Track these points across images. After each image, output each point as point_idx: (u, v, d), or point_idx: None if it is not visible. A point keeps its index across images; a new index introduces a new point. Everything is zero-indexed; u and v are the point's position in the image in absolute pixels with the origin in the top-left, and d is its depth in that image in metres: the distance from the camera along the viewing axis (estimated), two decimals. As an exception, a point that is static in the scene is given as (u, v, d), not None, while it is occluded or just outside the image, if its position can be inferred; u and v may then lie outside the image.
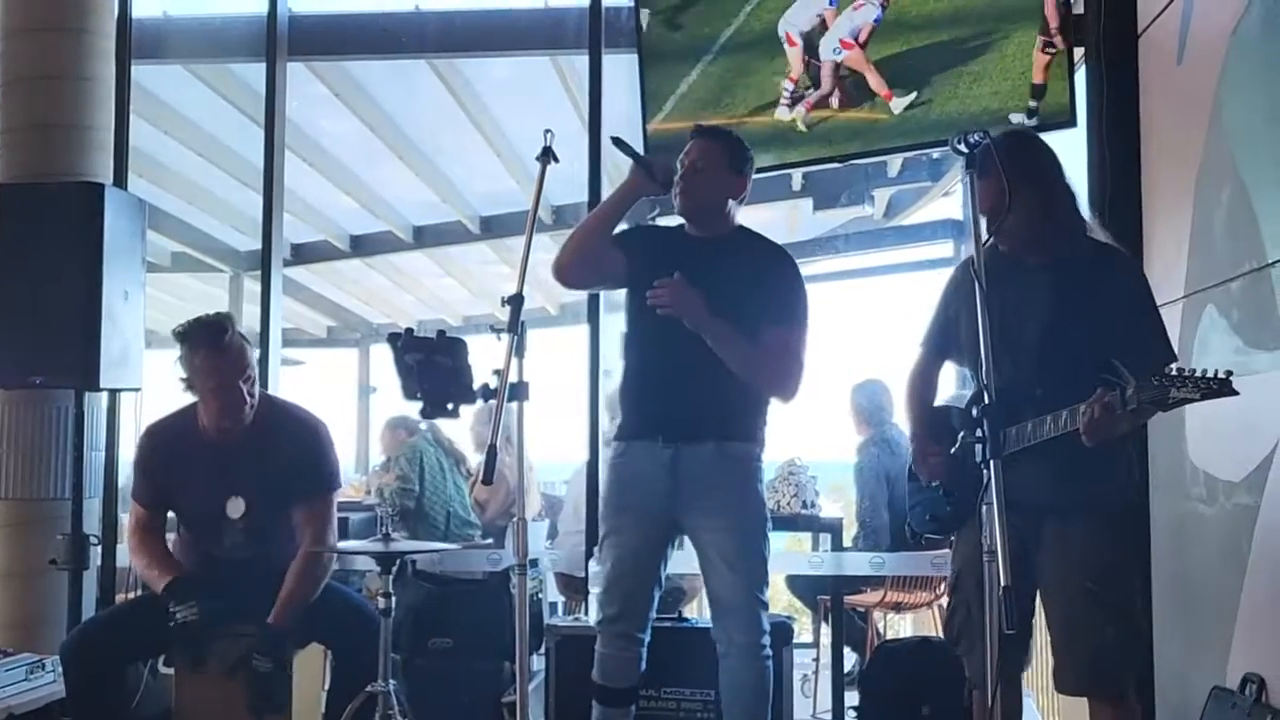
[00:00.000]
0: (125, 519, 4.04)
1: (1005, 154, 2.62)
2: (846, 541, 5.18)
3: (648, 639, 3.21)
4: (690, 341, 3.03)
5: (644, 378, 3.22)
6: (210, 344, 3.28)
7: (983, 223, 2.66)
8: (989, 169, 2.60)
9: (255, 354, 3.42)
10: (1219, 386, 2.34)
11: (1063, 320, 2.73)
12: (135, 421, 4.18)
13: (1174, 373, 2.38)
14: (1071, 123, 3.88)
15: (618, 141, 3.20)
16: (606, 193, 3.66)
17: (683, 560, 3.43)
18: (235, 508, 3.36)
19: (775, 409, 3.21)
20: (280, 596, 3.27)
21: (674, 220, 3.32)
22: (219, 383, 3.28)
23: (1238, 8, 2.99)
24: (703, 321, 3.02)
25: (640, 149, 3.83)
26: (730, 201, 3.22)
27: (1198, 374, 2.36)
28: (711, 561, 3.11)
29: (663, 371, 3.13)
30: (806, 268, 10.20)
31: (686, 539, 3.24)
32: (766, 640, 3.11)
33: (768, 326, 3.10)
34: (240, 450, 3.37)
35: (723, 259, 3.16)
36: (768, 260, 3.21)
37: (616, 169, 4.06)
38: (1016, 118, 3.93)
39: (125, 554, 3.80)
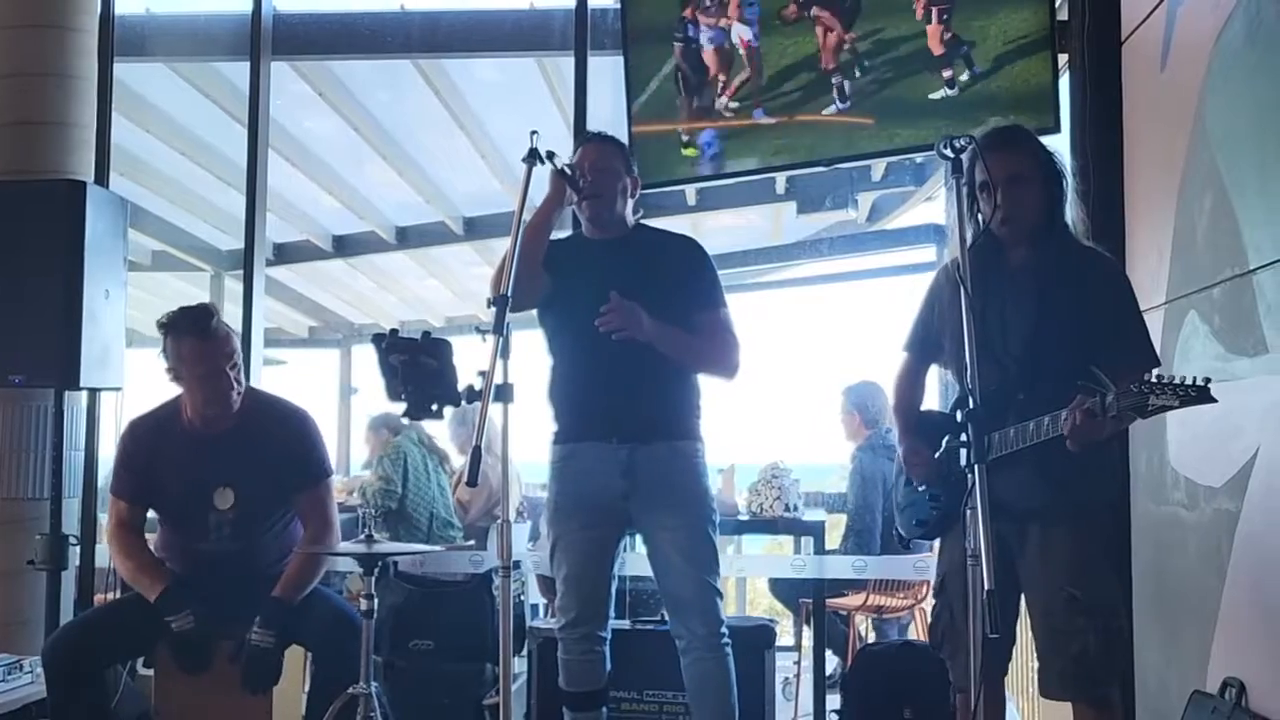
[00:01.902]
0: (104, 517, 4.01)
1: (1031, 140, 2.68)
2: (834, 544, 5.19)
3: (609, 638, 3.24)
4: (625, 344, 3.09)
5: (586, 381, 3.24)
6: (196, 331, 3.30)
7: (997, 193, 2.69)
8: (1022, 140, 2.68)
9: (239, 341, 3.43)
10: (1198, 394, 2.36)
11: (1046, 325, 2.74)
12: (115, 421, 4.14)
13: (1154, 380, 2.39)
14: (1056, 128, 3.89)
15: (549, 154, 3.08)
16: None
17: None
18: (224, 498, 3.35)
19: (713, 408, 3.29)
20: (286, 573, 3.30)
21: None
22: (207, 369, 3.29)
23: (1221, 15, 3.01)
24: (650, 332, 3.10)
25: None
26: (630, 201, 3.32)
27: (1176, 381, 2.37)
28: (668, 557, 3.16)
29: (608, 374, 3.16)
30: (789, 271, 10.29)
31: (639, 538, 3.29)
32: (725, 631, 3.16)
33: (697, 313, 3.22)
34: (226, 442, 3.36)
35: (635, 257, 3.26)
36: (679, 250, 3.32)
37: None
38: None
39: (104, 554, 3.79)
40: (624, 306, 3.07)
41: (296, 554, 3.33)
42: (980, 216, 2.77)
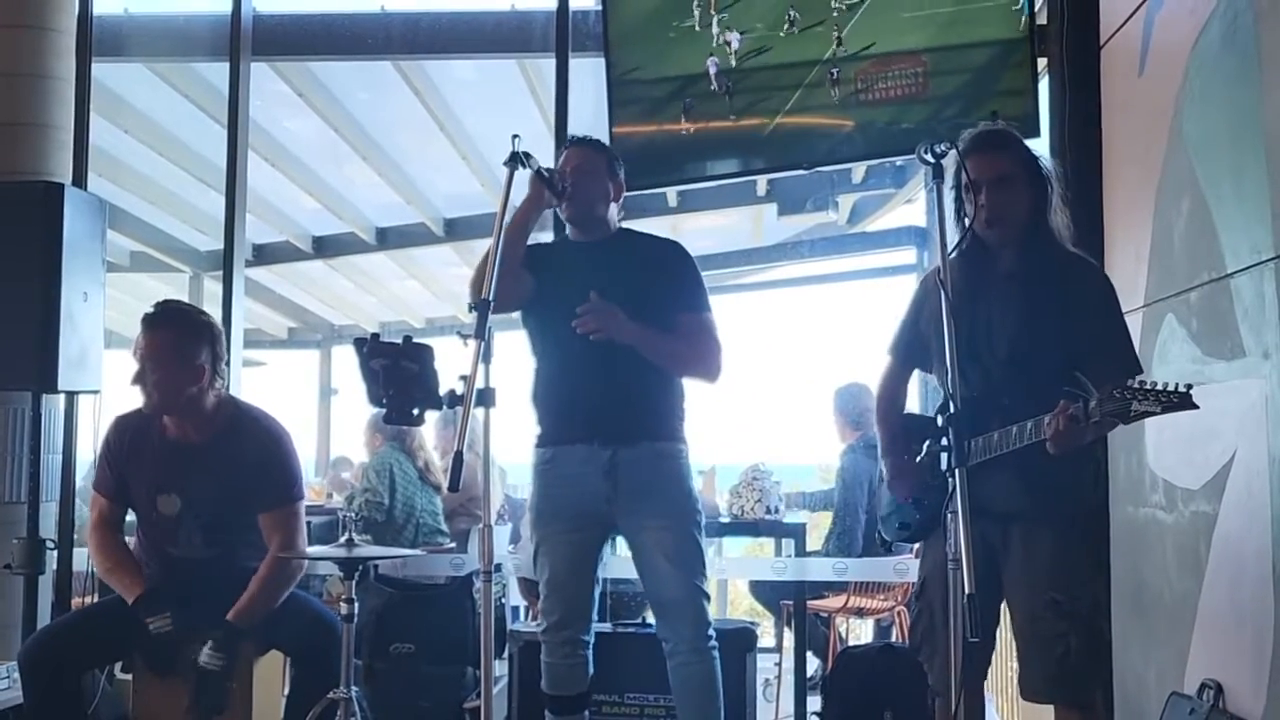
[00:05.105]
0: (85, 515, 3.98)
1: (1017, 142, 2.72)
2: (818, 544, 5.20)
3: (592, 641, 3.24)
4: (609, 346, 3.09)
5: (569, 383, 3.23)
6: (145, 320, 3.28)
7: (982, 194, 2.70)
8: (1009, 142, 2.71)
9: (207, 353, 3.30)
10: (1179, 400, 2.37)
11: (1031, 330, 2.74)
12: (93, 424, 4.12)
13: (1136, 386, 2.40)
14: (1035, 132, 3.91)
15: (526, 155, 3.03)
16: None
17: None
18: (168, 504, 3.33)
19: (694, 410, 3.28)
20: (243, 597, 3.24)
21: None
22: (139, 358, 3.26)
23: (1199, 21, 3.03)
24: (630, 334, 3.10)
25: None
26: (613, 204, 3.32)
27: (1159, 387, 2.38)
28: (653, 560, 3.15)
29: (590, 376, 3.15)
30: (770, 273, 10.32)
31: (620, 541, 3.29)
32: (712, 633, 3.15)
33: (681, 315, 3.21)
34: (199, 450, 3.33)
35: (618, 259, 3.26)
36: (662, 252, 3.32)
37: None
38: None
39: (82, 558, 3.75)
40: (601, 307, 3.08)
41: (255, 577, 3.29)
42: (966, 219, 2.76)
